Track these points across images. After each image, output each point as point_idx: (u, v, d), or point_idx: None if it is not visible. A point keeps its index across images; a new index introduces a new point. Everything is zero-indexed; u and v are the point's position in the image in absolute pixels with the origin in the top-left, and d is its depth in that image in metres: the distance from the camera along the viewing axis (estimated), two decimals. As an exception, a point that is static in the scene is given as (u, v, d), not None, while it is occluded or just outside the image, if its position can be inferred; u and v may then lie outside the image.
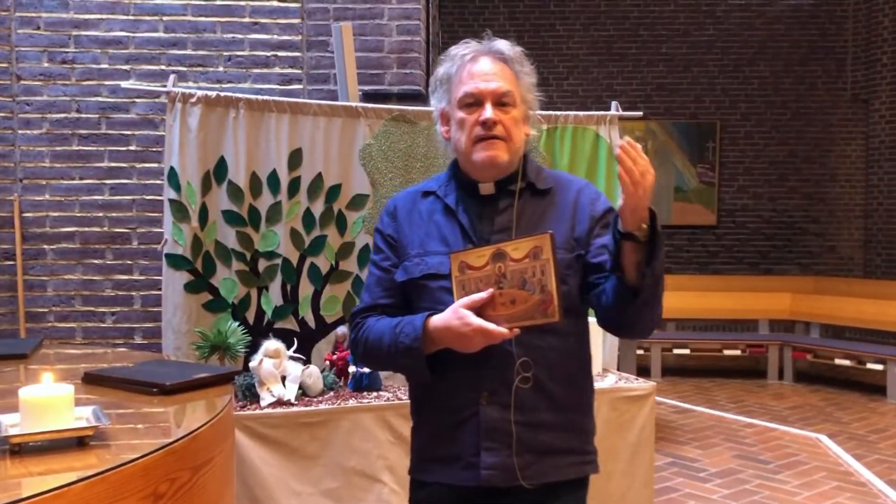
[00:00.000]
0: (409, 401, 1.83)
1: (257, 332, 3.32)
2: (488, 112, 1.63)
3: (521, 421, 1.61)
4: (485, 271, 1.53)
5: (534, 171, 1.74)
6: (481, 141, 1.65)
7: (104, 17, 4.02)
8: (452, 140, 1.72)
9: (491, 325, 1.50)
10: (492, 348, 1.56)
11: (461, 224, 1.68)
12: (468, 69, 1.67)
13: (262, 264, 3.45)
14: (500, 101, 1.65)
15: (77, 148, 4.03)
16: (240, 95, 3.42)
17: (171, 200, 3.31)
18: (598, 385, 3.31)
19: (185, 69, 4.04)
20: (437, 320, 1.58)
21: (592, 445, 1.76)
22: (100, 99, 4.04)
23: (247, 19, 4.08)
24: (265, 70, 4.09)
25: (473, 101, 1.66)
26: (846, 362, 6.94)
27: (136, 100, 4.04)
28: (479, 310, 1.53)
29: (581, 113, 3.93)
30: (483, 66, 1.67)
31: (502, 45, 1.71)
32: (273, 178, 3.44)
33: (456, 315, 1.53)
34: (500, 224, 1.67)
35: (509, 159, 1.67)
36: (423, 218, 1.74)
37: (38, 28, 4.00)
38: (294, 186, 3.47)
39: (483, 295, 1.52)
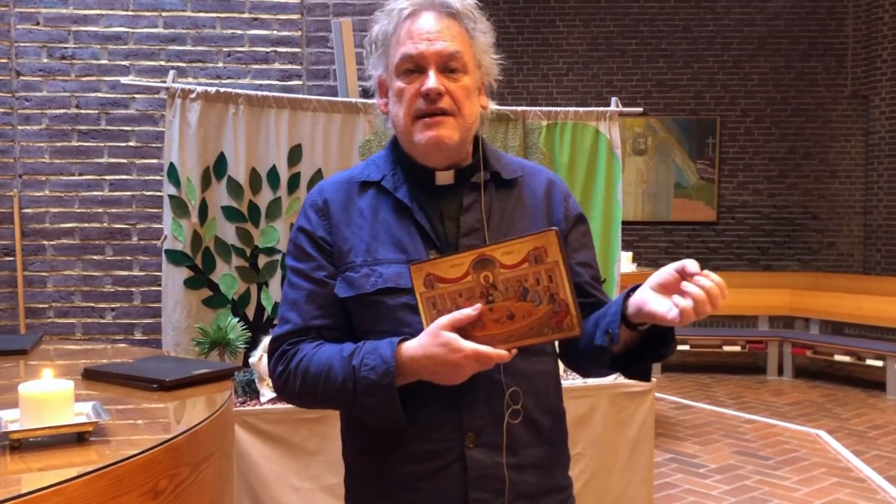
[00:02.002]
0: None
1: (257, 328, 3.32)
2: (431, 81, 1.30)
3: (512, 463, 1.32)
4: (465, 283, 1.22)
5: (494, 156, 1.43)
6: (424, 118, 1.32)
7: (103, 12, 4.02)
8: (391, 115, 1.38)
9: (487, 349, 1.20)
10: (475, 379, 1.26)
11: (420, 226, 1.34)
12: (407, 27, 1.33)
13: (262, 260, 3.45)
14: (448, 67, 1.32)
15: (77, 144, 4.02)
16: (239, 91, 3.42)
17: (170, 196, 3.31)
18: (598, 381, 3.33)
19: (184, 65, 4.03)
20: (411, 348, 1.24)
21: (570, 478, 1.48)
22: (99, 95, 4.03)
23: (246, 15, 4.07)
24: (265, 66, 4.08)
25: (414, 68, 1.32)
26: (846, 358, 6.95)
27: (136, 95, 4.03)
28: (461, 330, 1.22)
29: (581, 109, 3.93)
30: (425, 22, 1.32)
31: None
32: (273, 174, 3.44)
33: (437, 340, 1.21)
34: (469, 225, 1.35)
35: (460, 139, 1.34)
36: (364, 216, 1.37)
37: (38, 24, 3.99)
38: (294, 182, 3.46)
39: (470, 311, 1.21)
